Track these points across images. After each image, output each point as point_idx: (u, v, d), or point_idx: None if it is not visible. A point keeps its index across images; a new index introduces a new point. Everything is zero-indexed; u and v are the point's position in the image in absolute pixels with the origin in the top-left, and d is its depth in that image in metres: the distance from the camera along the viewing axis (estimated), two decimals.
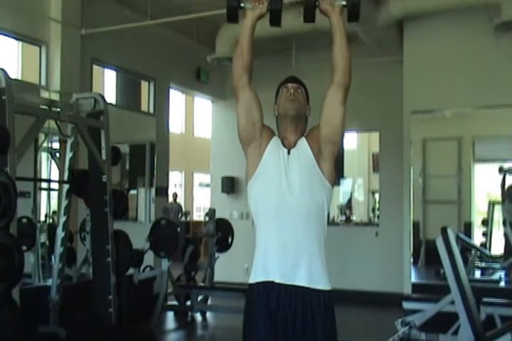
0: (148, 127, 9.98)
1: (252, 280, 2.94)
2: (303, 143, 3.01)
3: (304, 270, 2.85)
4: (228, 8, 3.03)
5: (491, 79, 8.73)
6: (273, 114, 3.17)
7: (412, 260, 9.26)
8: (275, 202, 2.91)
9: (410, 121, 9.14)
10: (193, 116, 21.96)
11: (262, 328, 2.86)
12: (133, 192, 10.40)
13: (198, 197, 22.15)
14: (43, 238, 7.88)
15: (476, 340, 5.43)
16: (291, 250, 2.86)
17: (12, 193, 5.35)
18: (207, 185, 17.26)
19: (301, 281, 2.85)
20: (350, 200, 14.03)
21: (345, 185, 13.59)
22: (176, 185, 20.58)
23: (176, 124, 18.65)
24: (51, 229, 7.78)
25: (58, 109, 6.57)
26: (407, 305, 7.69)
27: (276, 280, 2.85)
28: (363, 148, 14.92)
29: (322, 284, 2.88)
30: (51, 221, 7.99)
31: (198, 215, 21.30)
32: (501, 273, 9.82)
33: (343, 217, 13.14)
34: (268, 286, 2.87)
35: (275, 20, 3.04)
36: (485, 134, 10.34)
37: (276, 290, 2.85)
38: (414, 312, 7.18)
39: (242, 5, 3.02)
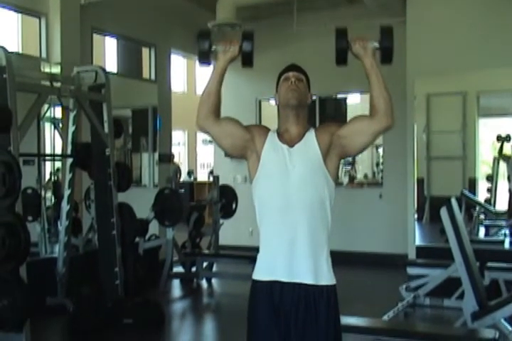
0: (150, 92, 9.92)
1: (256, 276, 2.96)
2: (311, 137, 2.97)
3: (310, 267, 2.86)
4: (200, 51, 3.02)
5: (495, 41, 8.64)
6: (274, 94, 3.14)
7: (416, 216, 9.28)
8: (278, 198, 2.90)
9: (414, 83, 9.09)
10: (194, 74, 21.81)
11: (266, 321, 2.89)
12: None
13: (201, 154, 22.17)
14: (48, 196, 7.92)
15: (480, 310, 5.47)
16: (296, 247, 2.86)
17: (16, 173, 5.36)
18: (210, 141, 17.23)
19: (306, 279, 2.86)
20: (354, 157, 14.01)
21: None
22: (179, 143, 20.59)
23: (177, 83, 18.54)
24: (56, 187, 7.82)
25: (59, 84, 6.56)
26: (411, 271, 7.75)
27: (282, 280, 2.87)
28: (366, 101, 14.76)
29: (326, 280, 2.89)
30: (56, 178, 7.99)
31: (202, 172, 21.36)
32: (506, 231, 9.87)
33: (347, 172, 13.16)
34: (272, 283, 2.89)
35: (247, 61, 3.02)
36: (490, 88, 10.24)
37: (280, 285, 2.88)
38: (418, 277, 7.26)
39: (213, 48, 3.01)
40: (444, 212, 5.74)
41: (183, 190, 15.91)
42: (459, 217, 5.86)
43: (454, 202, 5.84)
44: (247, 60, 3.01)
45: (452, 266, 5.99)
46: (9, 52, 5.69)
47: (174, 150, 11.97)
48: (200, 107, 3.04)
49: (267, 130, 3.06)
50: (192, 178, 18.92)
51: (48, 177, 8.14)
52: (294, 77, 3.04)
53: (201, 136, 21.91)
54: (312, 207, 2.89)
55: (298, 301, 2.86)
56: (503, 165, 10.06)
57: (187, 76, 21.49)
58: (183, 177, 18.97)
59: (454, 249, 5.65)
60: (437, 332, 4.66)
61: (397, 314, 6.36)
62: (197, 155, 22.08)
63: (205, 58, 3.04)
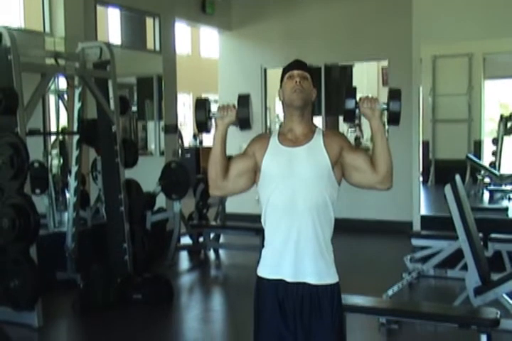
0: (154, 61, 9.86)
1: (261, 273, 3.01)
2: (318, 141, 2.99)
3: (314, 268, 2.92)
4: (197, 122, 3.10)
5: (502, 8, 8.57)
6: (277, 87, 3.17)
7: (421, 179, 9.28)
8: (282, 199, 2.93)
9: (419, 46, 9.02)
10: (198, 36, 21.68)
11: (272, 317, 2.96)
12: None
13: None
14: (55, 163, 7.94)
15: (483, 285, 5.54)
16: (300, 248, 2.91)
17: (24, 154, 5.42)
18: (215, 101, 17.22)
19: (311, 279, 2.92)
20: (360, 117, 14.00)
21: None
22: (184, 104, 20.52)
23: (182, 46, 18.45)
24: (62, 147, 7.86)
25: (64, 61, 6.57)
26: (415, 242, 7.80)
27: (286, 279, 2.93)
28: (372, 65, 14.64)
29: (330, 279, 2.95)
30: (62, 138, 8.00)
31: (209, 136, 21.26)
32: (511, 195, 9.92)
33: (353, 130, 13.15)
34: (277, 281, 2.95)
35: (245, 126, 3.08)
36: (496, 50, 10.18)
37: (285, 285, 2.94)
38: (423, 248, 7.33)
39: (211, 116, 3.08)
40: (448, 190, 5.78)
41: (188, 155, 15.95)
42: (463, 193, 5.90)
43: (458, 179, 5.87)
44: (244, 125, 3.08)
45: (456, 243, 6.05)
46: (13, 30, 5.71)
47: (179, 112, 11.90)
48: (210, 176, 3.05)
49: (267, 138, 3.08)
50: (198, 142, 18.86)
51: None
52: (299, 76, 3.03)
53: None
54: (317, 208, 2.92)
55: (302, 300, 2.92)
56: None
57: (192, 38, 21.35)
58: (189, 140, 18.95)
59: (458, 228, 5.70)
60: (440, 312, 4.73)
61: (402, 289, 6.44)
62: None
63: (203, 128, 3.12)
